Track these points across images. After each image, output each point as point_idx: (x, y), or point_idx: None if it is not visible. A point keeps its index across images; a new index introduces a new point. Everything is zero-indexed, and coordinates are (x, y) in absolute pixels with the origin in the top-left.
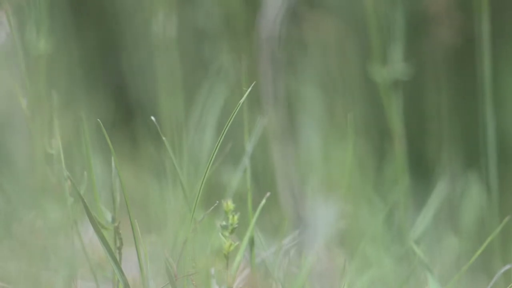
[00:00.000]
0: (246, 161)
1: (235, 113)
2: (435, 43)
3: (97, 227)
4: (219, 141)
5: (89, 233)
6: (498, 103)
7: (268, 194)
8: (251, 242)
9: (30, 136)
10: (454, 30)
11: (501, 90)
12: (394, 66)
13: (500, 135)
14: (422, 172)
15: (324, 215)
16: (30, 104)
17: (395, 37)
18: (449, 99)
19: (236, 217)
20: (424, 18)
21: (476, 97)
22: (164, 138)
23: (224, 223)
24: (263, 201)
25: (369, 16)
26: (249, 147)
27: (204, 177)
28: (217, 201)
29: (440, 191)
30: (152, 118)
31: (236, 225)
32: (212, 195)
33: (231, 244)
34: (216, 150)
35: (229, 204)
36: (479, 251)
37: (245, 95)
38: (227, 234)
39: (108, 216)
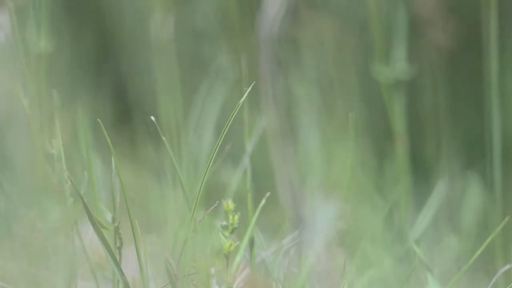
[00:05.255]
0: (246, 161)
1: (235, 113)
2: (431, 45)
3: (97, 227)
4: (219, 141)
5: (89, 233)
6: (501, 103)
7: (268, 194)
8: (251, 242)
9: (31, 136)
10: (448, 32)
11: (504, 89)
12: (397, 66)
13: (502, 135)
14: (422, 172)
15: (324, 215)
16: (31, 103)
17: (397, 36)
18: (448, 99)
19: (236, 217)
20: (418, 21)
21: (475, 97)
22: (163, 138)
23: (224, 223)
24: (263, 201)
25: (372, 16)
26: (249, 147)
27: (204, 177)
28: (217, 201)
29: (440, 191)
30: (152, 118)
31: (236, 225)
32: (212, 195)
33: (231, 244)
34: (216, 150)
35: (229, 204)
36: (479, 251)
37: (245, 95)
38: (227, 234)
39: (108, 216)
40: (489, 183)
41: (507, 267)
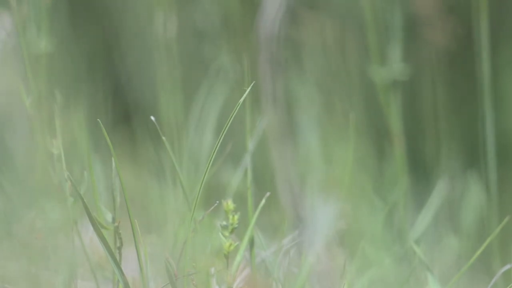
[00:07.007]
0: (247, 161)
1: (235, 113)
2: (429, 45)
3: (97, 227)
4: (219, 141)
5: (89, 233)
6: (497, 103)
7: (268, 194)
8: (251, 242)
9: (31, 135)
10: (446, 32)
11: (500, 89)
12: (393, 66)
13: (499, 135)
14: (421, 172)
15: (324, 215)
16: (31, 103)
17: (393, 37)
18: (447, 99)
19: (236, 217)
20: (416, 21)
21: (475, 97)
22: (163, 138)
23: (224, 223)
24: (263, 201)
25: (367, 16)
26: (250, 146)
27: (204, 177)
28: (217, 201)
29: (440, 191)
30: (152, 118)
31: (236, 225)
32: (212, 195)
33: (231, 244)
34: (216, 150)
35: (229, 204)
36: (479, 251)
37: (244, 95)
38: (227, 234)
39: (108, 216)
40: (486, 183)
41: (507, 267)
